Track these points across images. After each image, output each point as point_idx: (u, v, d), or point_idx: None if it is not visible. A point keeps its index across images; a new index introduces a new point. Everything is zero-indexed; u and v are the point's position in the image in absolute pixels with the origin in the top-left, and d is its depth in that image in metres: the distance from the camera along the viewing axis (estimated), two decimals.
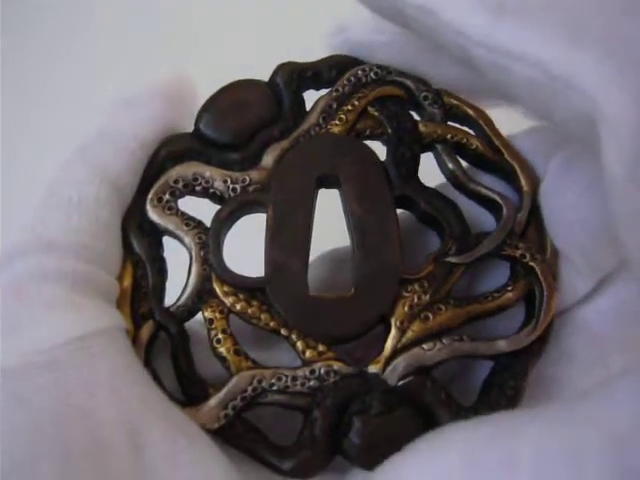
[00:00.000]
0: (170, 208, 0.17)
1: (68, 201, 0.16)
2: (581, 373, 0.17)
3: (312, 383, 0.16)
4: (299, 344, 0.16)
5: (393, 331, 0.16)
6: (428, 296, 0.17)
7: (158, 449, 0.14)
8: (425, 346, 0.16)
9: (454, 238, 0.17)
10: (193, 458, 0.15)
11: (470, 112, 0.18)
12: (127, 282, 0.17)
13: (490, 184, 0.18)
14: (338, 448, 0.16)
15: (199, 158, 0.18)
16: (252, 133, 0.18)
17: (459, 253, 0.17)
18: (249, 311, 0.17)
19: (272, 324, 0.17)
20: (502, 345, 0.16)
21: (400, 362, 0.16)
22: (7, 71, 0.34)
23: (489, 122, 0.18)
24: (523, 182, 0.18)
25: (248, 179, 0.18)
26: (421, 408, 0.16)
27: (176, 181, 0.17)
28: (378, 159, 0.18)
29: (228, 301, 0.17)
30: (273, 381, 0.16)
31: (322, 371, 0.16)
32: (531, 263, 0.17)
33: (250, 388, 0.16)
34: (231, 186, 0.17)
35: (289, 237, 0.17)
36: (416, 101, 0.19)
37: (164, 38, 0.35)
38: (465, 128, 0.19)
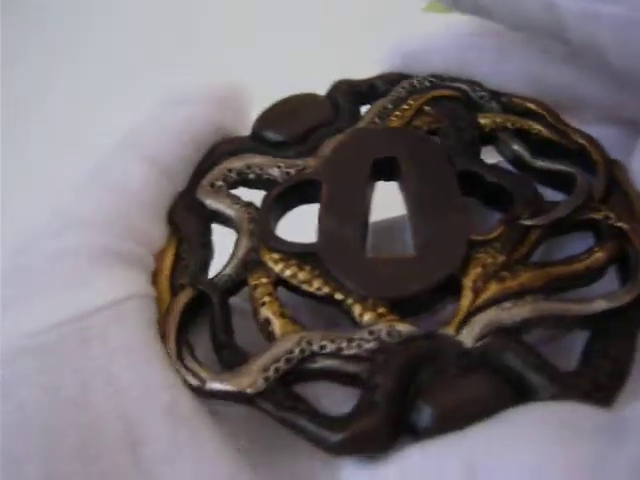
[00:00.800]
0: (221, 191, 0.17)
1: (111, 182, 0.15)
2: None
3: (371, 345, 0.14)
4: (356, 307, 0.14)
5: (466, 291, 0.14)
6: (503, 256, 0.15)
7: (157, 446, 0.13)
8: (505, 305, 0.14)
9: (526, 203, 0.16)
10: (196, 456, 0.13)
11: (531, 106, 0.18)
12: (168, 258, 0.16)
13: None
14: (404, 421, 0.13)
15: (254, 152, 0.17)
16: (308, 131, 0.18)
17: (532, 217, 0.15)
18: (300, 275, 0.15)
19: (325, 289, 0.15)
20: (599, 304, 0.14)
21: (476, 322, 0.14)
22: (7, 71, 0.34)
23: (551, 111, 0.18)
24: (595, 156, 0.16)
25: (302, 164, 0.17)
26: (507, 373, 0.13)
27: (230, 170, 0.17)
28: (437, 142, 0.17)
29: (277, 268, 0.15)
30: (324, 342, 0.14)
31: (383, 332, 0.14)
32: (618, 224, 0.15)
33: (297, 349, 0.14)
34: (285, 170, 0.17)
35: (344, 208, 0.16)
36: (473, 101, 0.18)
37: (168, 39, 0.34)
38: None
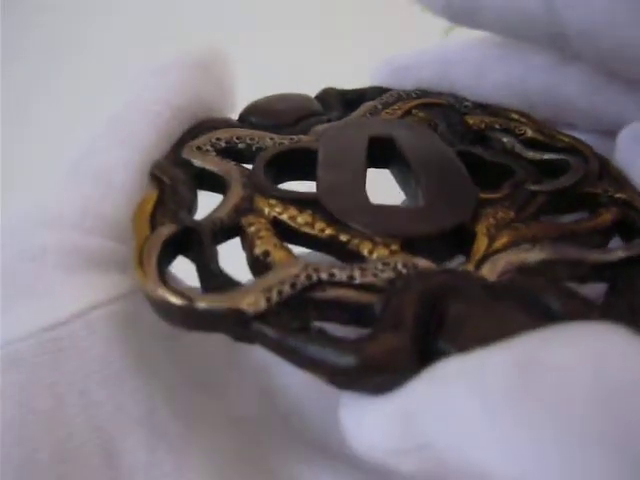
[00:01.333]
0: (209, 153, 0.15)
1: (84, 171, 0.15)
2: None
3: (387, 274, 0.12)
4: (365, 246, 0.13)
5: (481, 237, 0.13)
6: (513, 212, 0.14)
7: (134, 460, 0.12)
8: (524, 246, 0.13)
9: (528, 175, 0.15)
10: (175, 470, 0.12)
11: (515, 116, 0.19)
12: (149, 203, 0.14)
13: None
14: (430, 350, 0.11)
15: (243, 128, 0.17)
16: (298, 119, 0.18)
17: (537, 183, 0.15)
18: (299, 219, 0.13)
19: (328, 230, 0.13)
20: (617, 253, 0.13)
21: (497, 260, 0.13)
22: (7, 70, 0.34)
23: (536, 120, 0.18)
24: (583, 149, 0.17)
25: (296, 138, 0.16)
26: (536, 305, 0.12)
27: (218, 138, 0.16)
28: (432, 129, 0.17)
29: (275, 211, 0.14)
30: (334, 271, 0.12)
31: (399, 264, 0.12)
32: (618, 195, 0.15)
33: (303, 275, 0.12)
34: (279, 141, 0.16)
35: (343, 163, 0.15)
36: (458, 110, 0.19)
37: (168, 39, 0.34)
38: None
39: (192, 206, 0.14)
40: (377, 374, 0.11)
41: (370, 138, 0.16)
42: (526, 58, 0.18)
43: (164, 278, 0.12)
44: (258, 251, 0.13)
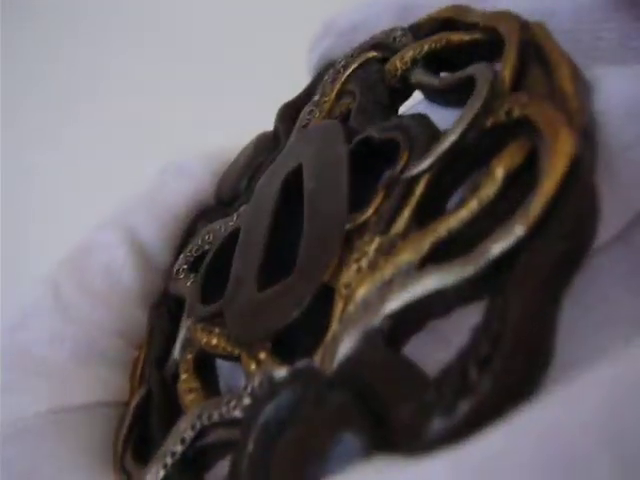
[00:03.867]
0: (177, 272, 0.16)
1: (94, 263, 0.16)
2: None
3: (246, 401, 0.11)
4: (245, 360, 0.12)
5: (337, 301, 0.11)
6: (377, 237, 0.11)
7: None
8: (370, 301, 0.10)
9: (415, 148, 0.12)
10: None
11: (441, 14, 0.14)
12: (142, 353, 0.16)
13: None
14: None
15: (206, 220, 0.17)
16: (249, 179, 0.17)
17: (418, 162, 0.11)
18: (213, 342, 0.13)
19: (228, 348, 0.13)
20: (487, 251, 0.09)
21: (342, 337, 0.10)
22: (7, 70, 0.34)
23: (461, 8, 0.13)
24: (504, 31, 0.12)
25: (235, 214, 0.16)
26: (365, 394, 0.09)
27: (190, 250, 0.17)
28: (340, 127, 0.14)
29: (199, 338, 0.14)
30: (213, 411, 0.12)
31: (256, 383, 0.11)
32: (521, 112, 0.10)
33: (189, 426, 0.12)
34: (223, 227, 0.16)
35: (248, 242, 0.14)
36: (388, 48, 0.15)
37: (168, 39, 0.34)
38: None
39: (167, 350, 0.15)
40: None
41: (285, 177, 0.15)
42: None
43: (124, 457, 0.14)
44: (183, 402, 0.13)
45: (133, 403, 0.14)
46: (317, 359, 0.11)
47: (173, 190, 0.17)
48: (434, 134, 0.12)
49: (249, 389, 0.11)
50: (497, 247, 0.09)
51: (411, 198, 0.11)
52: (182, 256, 0.16)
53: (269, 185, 0.15)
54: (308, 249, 0.12)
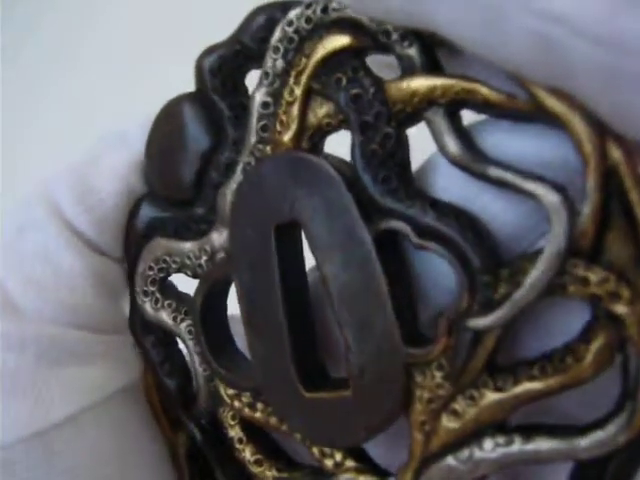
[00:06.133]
0: (156, 301, 0.15)
1: (28, 245, 0.14)
2: None
3: None
4: (315, 451, 0.13)
5: (415, 435, 0.12)
6: (449, 383, 0.11)
7: None
8: (461, 456, 0.11)
9: (473, 281, 0.11)
10: None
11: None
12: (154, 394, 0.15)
13: (520, 148, 0.11)
14: None
15: (163, 230, 0.14)
16: (198, 175, 0.14)
17: (485, 308, 0.11)
18: (256, 416, 0.14)
19: (283, 427, 0.14)
20: (581, 446, 0.10)
21: (432, 475, 0.12)
22: (8, 70, 0.34)
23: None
24: (581, 135, 0.10)
25: (209, 249, 0.14)
26: None
27: (150, 267, 0.15)
28: (340, 177, 0.12)
29: (235, 405, 0.14)
30: None
31: None
32: (613, 306, 0.10)
33: None
34: (197, 262, 0.14)
35: (263, 321, 0.13)
36: (379, 43, 0.11)
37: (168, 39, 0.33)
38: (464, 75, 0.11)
39: (182, 389, 0.15)
40: None
41: (276, 228, 0.13)
42: None
43: None
44: (238, 460, 0.14)
45: (182, 452, 0.15)
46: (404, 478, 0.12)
47: (110, 164, 0.14)
48: (492, 261, 0.11)
49: None
50: (591, 448, 0.10)
51: (481, 348, 0.11)
52: (141, 272, 0.15)
53: (258, 236, 0.13)
54: (362, 368, 0.12)
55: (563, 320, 0.11)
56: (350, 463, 0.13)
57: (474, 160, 0.11)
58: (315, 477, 0.13)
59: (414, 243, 0.11)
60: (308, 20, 0.12)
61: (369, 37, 0.11)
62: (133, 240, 0.15)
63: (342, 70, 0.12)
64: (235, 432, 0.14)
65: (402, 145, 0.11)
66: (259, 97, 0.13)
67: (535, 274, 0.10)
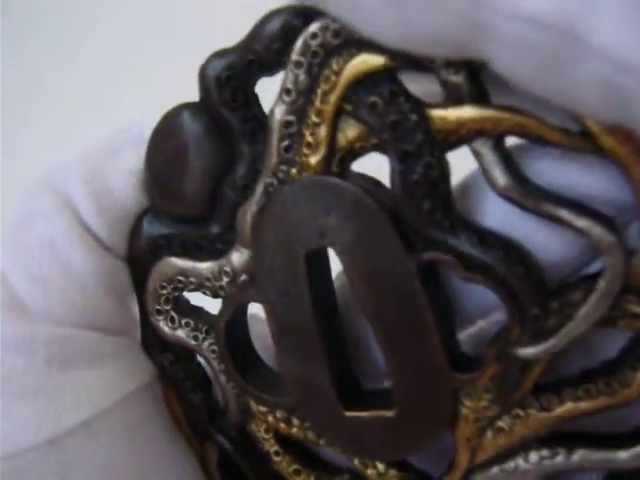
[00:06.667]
0: (172, 320, 0.14)
1: (35, 239, 0.13)
2: None
3: None
4: (356, 462, 0.14)
5: (461, 451, 0.12)
6: (497, 404, 0.12)
7: None
8: (506, 467, 0.12)
9: (523, 314, 0.11)
10: None
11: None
12: (177, 408, 0.15)
13: (567, 178, 0.11)
14: None
15: (169, 247, 0.14)
16: (210, 193, 0.13)
17: (535, 339, 0.11)
18: (293, 431, 0.14)
19: (321, 442, 0.14)
20: (621, 458, 0.11)
21: None
22: (8, 70, 0.34)
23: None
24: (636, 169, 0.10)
25: (231, 271, 0.13)
26: None
27: (162, 287, 0.14)
28: (378, 206, 0.11)
29: (269, 420, 0.14)
30: None
31: None
32: None
33: None
34: (217, 284, 0.13)
35: (296, 343, 0.13)
36: (419, 65, 0.11)
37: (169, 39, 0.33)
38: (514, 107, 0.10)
39: (207, 403, 0.15)
40: None
41: (306, 256, 0.12)
42: None
43: None
44: (275, 472, 0.14)
45: (212, 461, 0.15)
46: None
47: (126, 163, 0.13)
48: (540, 291, 0.11)
49: None
50: (632, 459, 0.11)
51: (530, 375, 0.11)
52: (152, 291, 0.14)
53: (286, 262, 0.13)
54: (407, 392, 0.12)
55: (604, 340, 0.11)
56: (393, 472, 0.13)
57: (525, 194, 0.11)
58: None
59: (461, 276, 0.11)
60: (336, 34, 0.11)
61: (407, 57, 0.11)
62: (137, 256, 0.14)
63: (377, 93, 0.11)
64: (270, 445, 0.14)
65: (445, 174, 0.11)
66: (280, 115, 0.12)
67: (586, 309, 0.10)
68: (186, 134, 0.13)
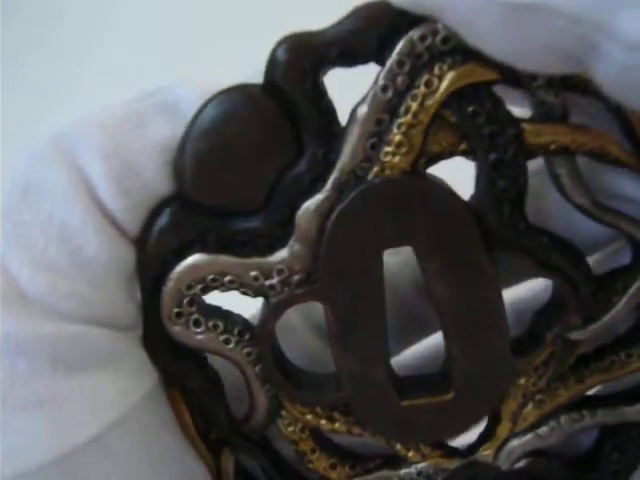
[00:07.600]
0: (197, 323, 0.13)
1: (40, 215, 0.12)
2: None
3: None
4: (399, 447, 0.14)
5: (504, 422, 0.14)
6: (544, 380, 0.14)
7: None
8: (540, 432, 0.14)
9: (580, 304, 0.13)
10: None
11: None
12: (187, 417, 0.14)
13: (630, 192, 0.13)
14: None
15: (203, 243, 0.12)
16: (271, 187, 0.12)
17: (586, 323, 0.13)
18: (336, 426, 0.14)
19: (365, 434, 0.14)
20: (632, 413, 0.14)
21: (513, 448, 0.14)
22: (8, 71, 0.34)
23: None
24: None
25: (286, 269, 0.13)
26: None
27: (189, 287, 0.13)
28: (465, 208, 0.12)
29: (307, 419, 0.14)
30: None
31: (430, 471, 0.14)
32: None
33: None
34: (266, 283, 0.13)
35: (363, 340, 0.13)
36: (519, 82, 0.12)
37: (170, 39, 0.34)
38: (597, 130, 0.12)
39: (225, 410, 0.14)
40: None
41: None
42: None
43: None
44: (312, 471, 0.14)
45: (229, 471, 0.14)
46: (486, 454, 0.14)
47: (156, 136, 0.12)
48: (594, 288, 0.13)
49: (424, 474, 0.14)
50: None
51: (574, 351, 0.13)
52: (173, 292, 0.13)
53: (359, 262, 0.13)
54: (468, 376, 0.13)
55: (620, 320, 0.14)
56: (436, 452, 0.14)
57: (594, 206, 0.12)
58: (392, 466, 0.14)
59: (535, 273, 0.13)
60: (445, 40, 0.11)
61: (513, 73, 0.11)
62: (156, 252, 0.12)
63: (479, 103, 0.12)
64: (306, 444, 0.14)
65: (526, 182, 0.12)
66: (371, 112, 0.12)
67: (627, 298, 0.13)
68: (246, 120, 0.12)
